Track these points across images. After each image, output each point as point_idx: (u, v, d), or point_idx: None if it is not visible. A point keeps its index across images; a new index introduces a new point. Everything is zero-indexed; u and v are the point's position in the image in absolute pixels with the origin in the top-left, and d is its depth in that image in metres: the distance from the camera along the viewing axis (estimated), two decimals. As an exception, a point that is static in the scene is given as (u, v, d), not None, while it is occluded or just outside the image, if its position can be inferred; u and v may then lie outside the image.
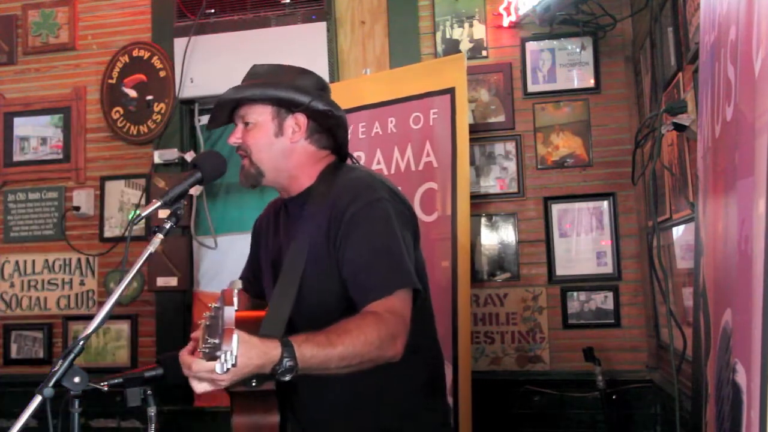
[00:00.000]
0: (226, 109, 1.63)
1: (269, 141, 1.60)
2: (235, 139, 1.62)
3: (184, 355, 1.28)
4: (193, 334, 1.33)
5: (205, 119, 3.76)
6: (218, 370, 1.09)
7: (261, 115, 1.60)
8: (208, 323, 1.15)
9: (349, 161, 1.76)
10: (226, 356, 1.07)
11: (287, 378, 1.26)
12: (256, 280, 1.85)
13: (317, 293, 1.56)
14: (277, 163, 1.61)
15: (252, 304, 1.90)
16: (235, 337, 1.07)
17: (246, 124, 1.61)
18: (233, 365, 1.10)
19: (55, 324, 3.76)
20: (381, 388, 1.46)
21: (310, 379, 1.33)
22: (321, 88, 1.66)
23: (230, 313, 1.07)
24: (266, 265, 1.77)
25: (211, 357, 1.11)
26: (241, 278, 1.90)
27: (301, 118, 1.61)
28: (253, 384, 1.31)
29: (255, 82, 1.61)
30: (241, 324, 1.64)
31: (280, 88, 1.58)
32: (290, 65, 1.67)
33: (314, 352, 1.29)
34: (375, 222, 1.52)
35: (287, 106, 1.60)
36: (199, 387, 1.25)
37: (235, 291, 1.11)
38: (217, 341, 1.07)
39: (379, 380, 1.45)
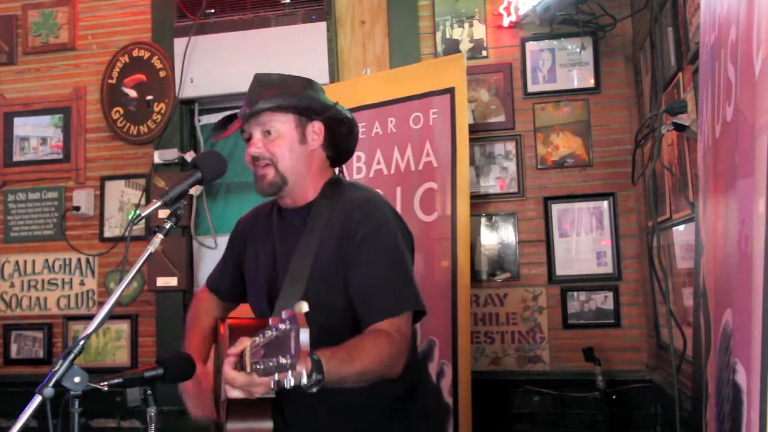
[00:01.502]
0: (231, 121, 1.66)
1: (295, 148, 1.62)
2: (256, 149, 1.61)
3: (230, 371, 1.27)
4: (232, 350, 1.30)
5: (205, 119, 3.76)
6: (278, 386, 1.14)
7: (284, 123, 1.62)
8: (267, 342, 1.16)
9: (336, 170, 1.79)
10: (297, 376, 1.11)
11: (313, 391, 1.28)
12: (232, 283, 1.85)
13: (322, 308, 1.57)
14: (300, 170, 1.64)
15: (223, 311, 1.89)
16: (308, 359, 1.11)
17: (267, 132, 1.61)
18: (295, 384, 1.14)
19: (55, 324, 3.76)
20: (371, 392, 1.48)
21: None
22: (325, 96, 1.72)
23: (306, 335, 1.10)
24: (253, 272, 1.76)
25: (268, 373, 1.14)
26: (211, 279, 1.91)
27: (318, 126, 1.65)
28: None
29: (273, 91, 1.62)
30: (242, 331, 1.64)
31: (308, 98, 1.63)
32: (293, 75, 1.69)
33: (339, 368, 1.33)
34: (386, 243, 1.58)
35: (308, 114, 1.63)
36: (234, 393, 1.28)
37: (304, 312, 1.14)
38: (287, 361, 1.10)
39: (370, 386, 1.47)
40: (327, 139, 1.68)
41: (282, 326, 1.13)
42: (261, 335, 1.18)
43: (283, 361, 1.11)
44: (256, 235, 1.78)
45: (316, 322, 1.54)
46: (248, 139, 1.65)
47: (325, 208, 1.63)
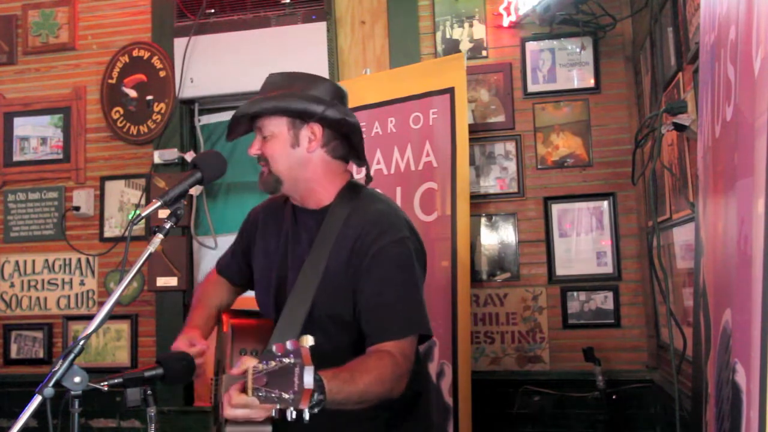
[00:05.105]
0: (244, 121, 1.67)
1: (286, 152, 1.62)
2: (254, 150, 1.65)
3: (235, 393, 1.26)
4: (235, 370, 1.30)
5: (205, 119, 3.76)
6: (280, 414, 1.16)
7: (277, 126, 1.62)
8: (270, 370, 1.17)
9: (362, 170, 1.77)
10: (299, 412, 1.14)
11: (315, 411, 1.27)
12: (240, 271, 1.87)
13: (328, 317, 1.59)
14: (294, 173, 1.64)
15: (231, 294, 1.91)
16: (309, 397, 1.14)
17: (264, 136, 1.64)
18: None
19: (55, 324, 3.76)
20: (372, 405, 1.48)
21: None
22: (336, 96, 1.67)
23: (310, 375, 1.13)
24: (263, 266, 1.76)
25: (270, 402, 1.16)
26: (221, 264, 1.92)
27: (316, 128, 1.63)
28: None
29: (270, 94, 1.63)
30: (247, 332, 1.64)
31: (293, 99, 1.60)
32: (305, 73, 1.69)
33: (340, 388, 1.32)
34: (399, 262, 1.57)
35: (301, 117, 1.62)
36: (236, 412, 1.27)
37: (308, 346, 1.15)
38: (290, 396, 1.12)
39: None
40: (337, 141, 1.66)
41: (286, 360, 1.14)
42: (265, 362, 1.18)
43: (285, 396, 1.13)
44: (268, 229, 1.78)
45: (321, 331, 1.55)
46: None
47: (340, 215, 1.62)
